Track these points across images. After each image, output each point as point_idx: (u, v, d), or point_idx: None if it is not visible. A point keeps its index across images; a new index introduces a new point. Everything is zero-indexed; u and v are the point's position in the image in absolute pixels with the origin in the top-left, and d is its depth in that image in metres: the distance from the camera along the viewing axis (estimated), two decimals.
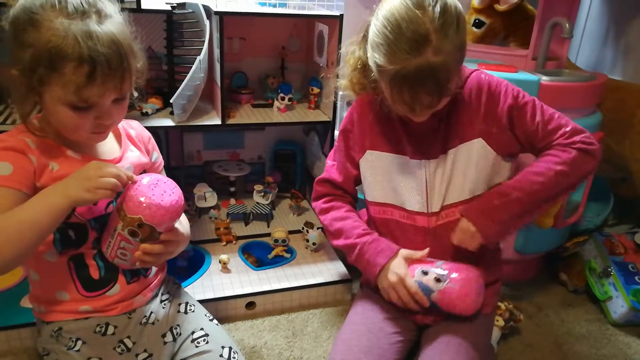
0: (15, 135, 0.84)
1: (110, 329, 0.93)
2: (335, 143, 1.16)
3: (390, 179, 1.05)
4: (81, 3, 0.77)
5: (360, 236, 1.05)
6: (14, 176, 0.80)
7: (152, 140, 1.05)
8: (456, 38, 0.84)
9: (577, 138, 0.95)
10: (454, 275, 0.97)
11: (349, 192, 1.15)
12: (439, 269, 0.98)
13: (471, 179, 1.00)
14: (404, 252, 1.01)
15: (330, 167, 1.16)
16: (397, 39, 0.83)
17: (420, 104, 0.88)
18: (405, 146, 1.02)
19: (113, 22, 0.80)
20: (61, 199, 0.78)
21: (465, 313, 0.97)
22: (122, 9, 0.85)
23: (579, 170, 0.94)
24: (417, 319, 1.05)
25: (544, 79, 1.27)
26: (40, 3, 0.77)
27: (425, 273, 0.98)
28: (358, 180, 1.13)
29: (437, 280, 0.97)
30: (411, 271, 0.99)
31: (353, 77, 1.03)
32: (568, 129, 0.96)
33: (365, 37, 0.95)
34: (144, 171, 0.98)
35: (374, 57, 0.88)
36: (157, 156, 1.05)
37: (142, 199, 0.84)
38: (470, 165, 1.00)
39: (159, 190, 0.85)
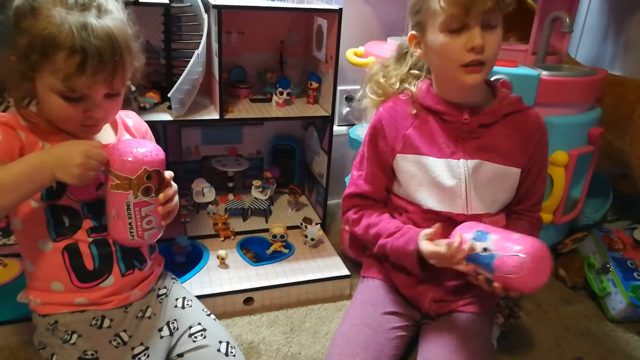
0: (11, 113, 0.86)
1: (106, 322, 0.94)
2: (361, 152, 1.08)
3: (423, 183, 1.01)
4: None
5: (390, 235, 1.01)
6: None
7: (150, 132, 1.06)
8: None
9: (540, 208, 1.08)
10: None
11: (379, 200, 1.08)
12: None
13: (501, 202, 1.01)
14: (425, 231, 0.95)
15: (357, 179, 1.08)
16: None
17: (476, 4, 0.85)
18: (442, 147, 0.99)
19: (112, 18, 0.82)
20: (48, 176, 0.80)
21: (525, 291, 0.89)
22: (123, 3, 0.86)
23: None
24: (425, 305, 1.04)
25: (544, 73, 1.26)
26: None
27: (485, 249, 0.88)
28: (389, 189, 1.08)
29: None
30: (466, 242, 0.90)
31: (390, 67, 1.06)
32: (540, 198, 1.06)
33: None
34: None
35: None
36: None
37: (133, 153, 0.86)
38: (502, 188, 1.00)
39: (136, 142, 0.89)
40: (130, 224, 0.89)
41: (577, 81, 1.32)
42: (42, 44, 0.77)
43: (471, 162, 0.97)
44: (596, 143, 1.38)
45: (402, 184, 1.04)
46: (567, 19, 1.30)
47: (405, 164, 1.02)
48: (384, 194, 1.08)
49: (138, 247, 0.97)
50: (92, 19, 0.78)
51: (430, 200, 1.00)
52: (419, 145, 1.00)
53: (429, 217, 1.00)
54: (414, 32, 0.97)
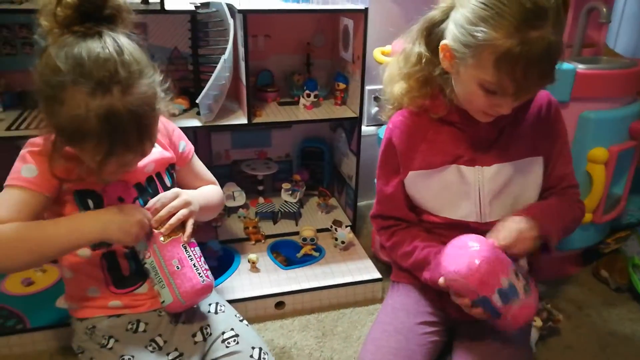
0: (47, 139, 0.86)
1: (142, 326, 0.96)
2: (378, 164, 1.05)
3: (438, 195, 0.98)
4: (104, 78, 0.75)
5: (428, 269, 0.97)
6: (37, 179, 0.84)
7: (177, 131, 1.07)
8: (564, 22, 0.81)
9: (577, 192, 1.02)
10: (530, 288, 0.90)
11: (400, 218, 1.04)
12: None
13: (533, 195, 0.98)
14: None
15: (377, 196, 1.07)
16: (514, 9, 0.76)
17: (528, 87, 0.81)
18: (459, 155, 0.96)
19: (139, 91, 0.78)
20: (97, 235, 0.85)
21: (511, 329, 0.90)
22: (146, 11, 0.85)
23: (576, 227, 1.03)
24: (452, 313, 1.01)
25: (580, 67, 1.21)
26: (62, 79, 0.75)
27: (517, 275, 0.87)
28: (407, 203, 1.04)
29: (524, 289, 0.88)
30: (505, 267, 0.86)
31: (412, 78, 0.96)
32: (576, 183, 1.02)
33: (426, 30, 0.92)
34: (170, 167, 1.02)
35: (478, 32, 0.78)
36: (184, 145, 1.07)
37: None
38: (531, 180, 0.97)
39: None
40: (194, 265, 0.93)
41: (616, 74, 1.26)
42: (69, 132, 0.78)
43: (488, 169, 0.94)
44: (638, 138, 1.32)
45: (415, 198, 1.01)
46: (604, 9, 1.25)
47: (418, 179, 0.99)
48: (403, 210, 1.03)
49: (204, 298, 0.98)
50: (116, 102, 0.75)
51: (445, 210, 0.99)
52: (434, 160, 0.97)
53: (444, 226, 0.99)
54: (451, 49, 0.85)
